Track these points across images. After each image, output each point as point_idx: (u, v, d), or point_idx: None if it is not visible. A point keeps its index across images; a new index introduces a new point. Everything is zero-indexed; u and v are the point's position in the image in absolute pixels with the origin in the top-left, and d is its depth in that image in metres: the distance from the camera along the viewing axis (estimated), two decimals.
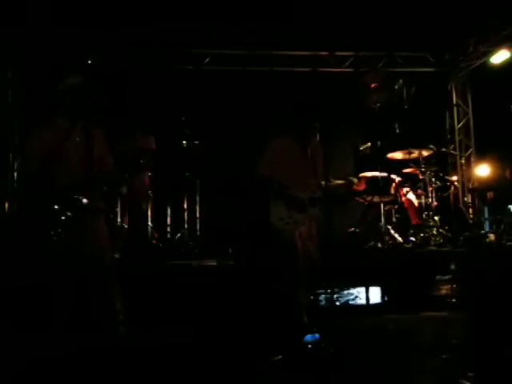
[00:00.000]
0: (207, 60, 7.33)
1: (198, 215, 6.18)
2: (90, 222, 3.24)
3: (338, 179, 4.64)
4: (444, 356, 3.30)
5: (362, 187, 5.78)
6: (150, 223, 5.86)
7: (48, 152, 3.15)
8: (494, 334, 3.18)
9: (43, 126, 3.34)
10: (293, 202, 3.83)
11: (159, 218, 6.10)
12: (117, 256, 4.89)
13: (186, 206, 6.19)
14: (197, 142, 6.03)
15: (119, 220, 5.51)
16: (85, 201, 3.18)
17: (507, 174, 6.38)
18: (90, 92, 3.34)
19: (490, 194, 6.66)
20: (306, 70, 7.53)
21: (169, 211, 6.17)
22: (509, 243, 5.63)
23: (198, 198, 6.23)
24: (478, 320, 3.45)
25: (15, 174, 5.72)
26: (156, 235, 6.00)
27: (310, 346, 3.47)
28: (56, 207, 3.10)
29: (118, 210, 5.51)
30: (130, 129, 5.80)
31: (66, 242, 3.07)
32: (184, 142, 6.01)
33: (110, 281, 3.27)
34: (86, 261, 3.19)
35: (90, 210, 3.21)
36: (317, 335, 3.51)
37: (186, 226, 6.10)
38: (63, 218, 3.10)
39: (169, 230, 6.12)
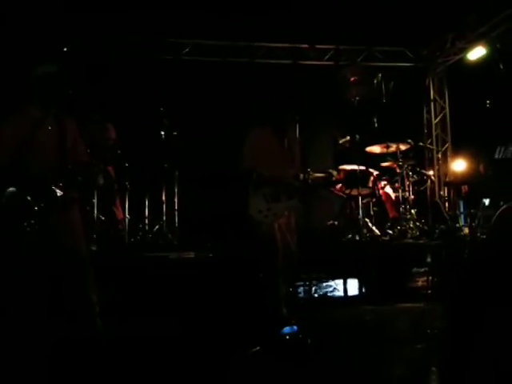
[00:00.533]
0: (186, 50, 7.25)
1: (176, 207, 6.12)
2: (65, 213, 3.17)
3: (318, 172, 4.66)
4: (419, 346, 3.36)
5: (340, 178, 5.82)
6: (127, 215, 5.79)
7: (19, 141, 3.08)
8: (467, 324, 3.26)
9: (14, 115, 3.25)
10: (280, 186, 3.82)
11: (137, 209, 6.02)
12: (94, 248, 4.82)
13: (164, 197, 6.13)
14: (175, 133, 5.96)
15: (95, 212, 5.43)
16: (58, 191, 3.11)
17: (481, 168, 6.50)
18: (65, 81, 3.27)
19: (464, 188, 6.78)
20: (286, 62, 7.52)
21: (147, 203, 6.09)
22: (482, 236, 5.75)
23: (176, 190, 6.17)
24: (452, 310, 3.53)
25: None
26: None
27: (287, 338, 3.48)
28: (29, 198, 3.03)
29: (95, 201, 5.42)
30: (103, 118, 5.66)
31: (39, 233, 3.01)
32: (162, 132, 5.93)
33: (86, 273, 3.22)
34: (61, 252, 3.13)
35: (65, 201, 3.14)
36: (295, 327, 3.53)
37: (164, 218, 6.04)
38: (36, 208, 3.03)
39: (147, 221, 6.05)
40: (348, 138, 6.19)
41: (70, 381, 2.82)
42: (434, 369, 2.86)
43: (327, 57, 7.70)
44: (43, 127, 3.18)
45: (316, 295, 4.93)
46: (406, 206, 6.22)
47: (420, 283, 5.17)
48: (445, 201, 7.48)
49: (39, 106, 3.22)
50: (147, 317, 4.01)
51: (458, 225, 6.64)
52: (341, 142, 6.26)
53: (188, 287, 4.39)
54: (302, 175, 4.02)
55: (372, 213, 6.22)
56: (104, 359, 3.01)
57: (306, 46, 7.55)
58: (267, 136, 4.00)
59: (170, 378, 3.00)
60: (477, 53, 7.03)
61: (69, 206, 3.21)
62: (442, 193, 7.82)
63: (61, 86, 3.24)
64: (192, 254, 4.97)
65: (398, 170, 6.39)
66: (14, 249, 3.04)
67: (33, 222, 3.00)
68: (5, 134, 3.16)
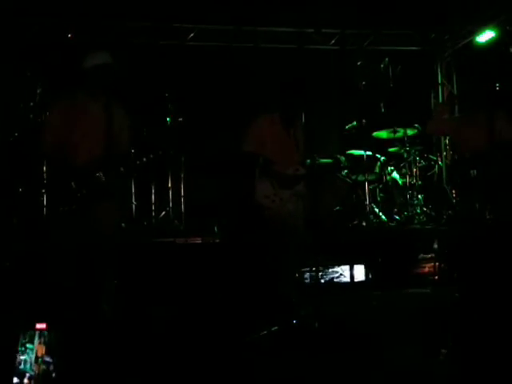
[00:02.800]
0: (191, 35, 7.19)
1: (182, 193, 6.12)
2: (104, 202, 3.23)
3: (325, 158, 4.62)
4: (426, 329, 3.37)
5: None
6: (134, 201, 5.80)
7: (67, 128, 3.16)
8: (475, 308, 3.26)
9: (62, 102, 3.32)
10: (279, 178, 3.82)
11: (143, 195, 6.03)
12: None
13: (170, 183, 6.13)
14: (181, 119, 5.93)
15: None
16: (102, 179, 3.16)
17: (488, 151, 6.42)
18: (116, 70, 3.31)
19: (472, 173, 6.72)
20: (292, 46, 7.44)
21: (153, 189, 6.09)
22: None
23: (182, 176, 6.16)
24: (462, 294, 3.53)
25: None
26: None
27: (294, 321, 3.49)
28: (73, 184, 3.08)
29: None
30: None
31: (79, 219, 3.10)
32: (168, 118, 5.91)
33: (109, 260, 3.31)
34: (94, 238, 3.24)
35: (106, 190, 3.19)
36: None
37: (170, 204, 6.05)
38: (79, 195, 3.10)
39: (153, 208, 6.06)
40: (354, 123, 6.15)
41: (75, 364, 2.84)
42: (443, 351, 2.87)
43: (333, 41, 7.60)
44: (91, 115, 3.21)
45: (322, 281, 4.93)
46: (413, 192, 6.18)
47: (427, 269, 5.15)
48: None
49: (89, 94, 3.25)
50: (154, 302, 4.03)
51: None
52: (347, 127, 6.22)
53: (195, 273, 4.41)
54: (307, 161, 4.01)
55: (379, 199, 6.20)
56: (111, 343, 3.04)
57: (311, 30, 7.45)
58: (273, 122, 3.98)
59: (175, 362, 3.01)
60: (486, 35, 6.92)
61: (109, 194, 3.26)
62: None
63: (113, 74, 3.27)
64: (199, 240, 4.98)
65: (405, 156, 6.35)
66: (51, 230, 3.21)
67: (74, 207, 3.09)
68: (53, 120, 3.21)
